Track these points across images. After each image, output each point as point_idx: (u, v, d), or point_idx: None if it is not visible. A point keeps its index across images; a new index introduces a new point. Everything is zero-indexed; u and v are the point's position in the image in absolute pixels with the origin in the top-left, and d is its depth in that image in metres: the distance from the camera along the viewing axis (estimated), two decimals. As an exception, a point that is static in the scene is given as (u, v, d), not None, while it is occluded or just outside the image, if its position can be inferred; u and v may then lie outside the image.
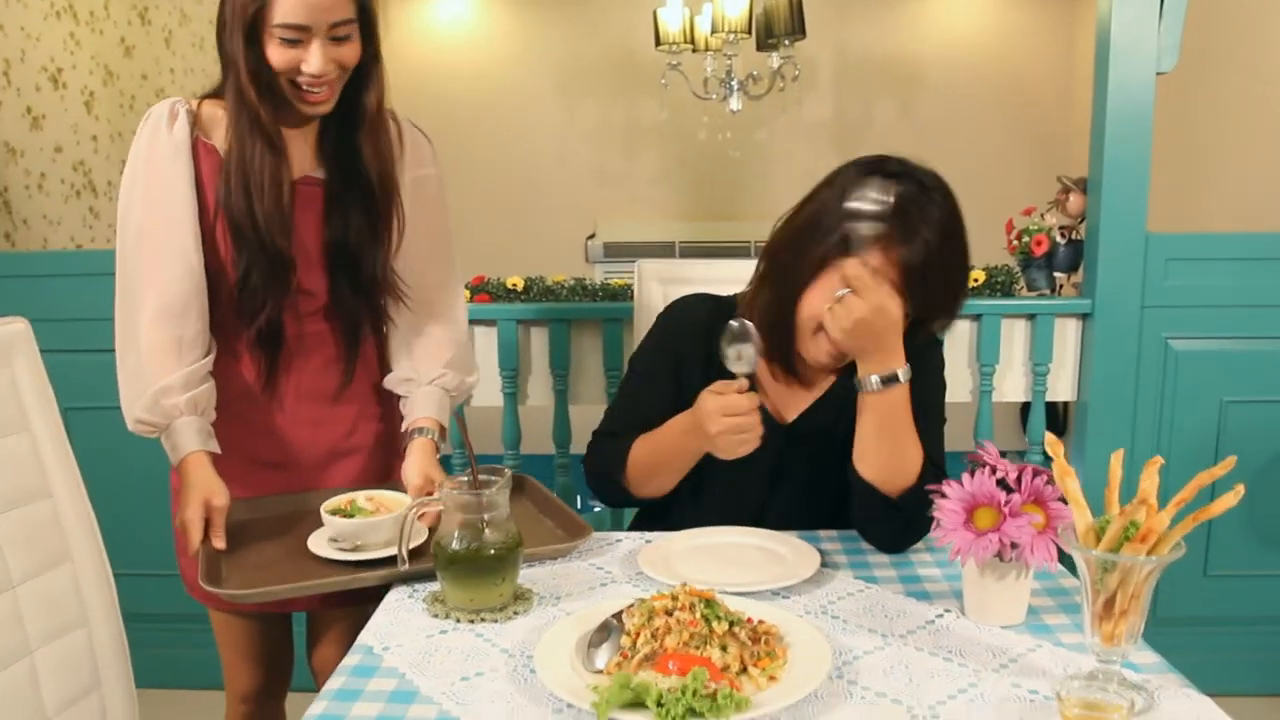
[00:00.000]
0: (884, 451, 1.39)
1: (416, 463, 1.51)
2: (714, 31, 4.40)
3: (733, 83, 4.57)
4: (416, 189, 1.60)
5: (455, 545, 1.19)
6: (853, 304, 1.31)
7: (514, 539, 1.21)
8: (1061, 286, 2.71)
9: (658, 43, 4.46)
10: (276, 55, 1.39)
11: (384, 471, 1.64)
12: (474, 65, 5.95)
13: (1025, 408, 2.66)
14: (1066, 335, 2.58)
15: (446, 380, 1.60)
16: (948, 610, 1.21)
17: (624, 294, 2.63)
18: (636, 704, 0.94)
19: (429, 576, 1.27)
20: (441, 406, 1.59)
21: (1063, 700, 0.92)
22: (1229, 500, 0.94)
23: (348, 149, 1.52)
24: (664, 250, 5.77)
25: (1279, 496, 2.53)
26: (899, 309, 1.34)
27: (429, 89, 5.75)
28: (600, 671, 1.02)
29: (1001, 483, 1.15)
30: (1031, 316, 2.57)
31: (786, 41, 4.35)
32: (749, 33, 4.33)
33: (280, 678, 1.70)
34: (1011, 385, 2.62)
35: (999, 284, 2.63)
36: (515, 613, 1.20)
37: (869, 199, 1.37)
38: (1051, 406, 3.41)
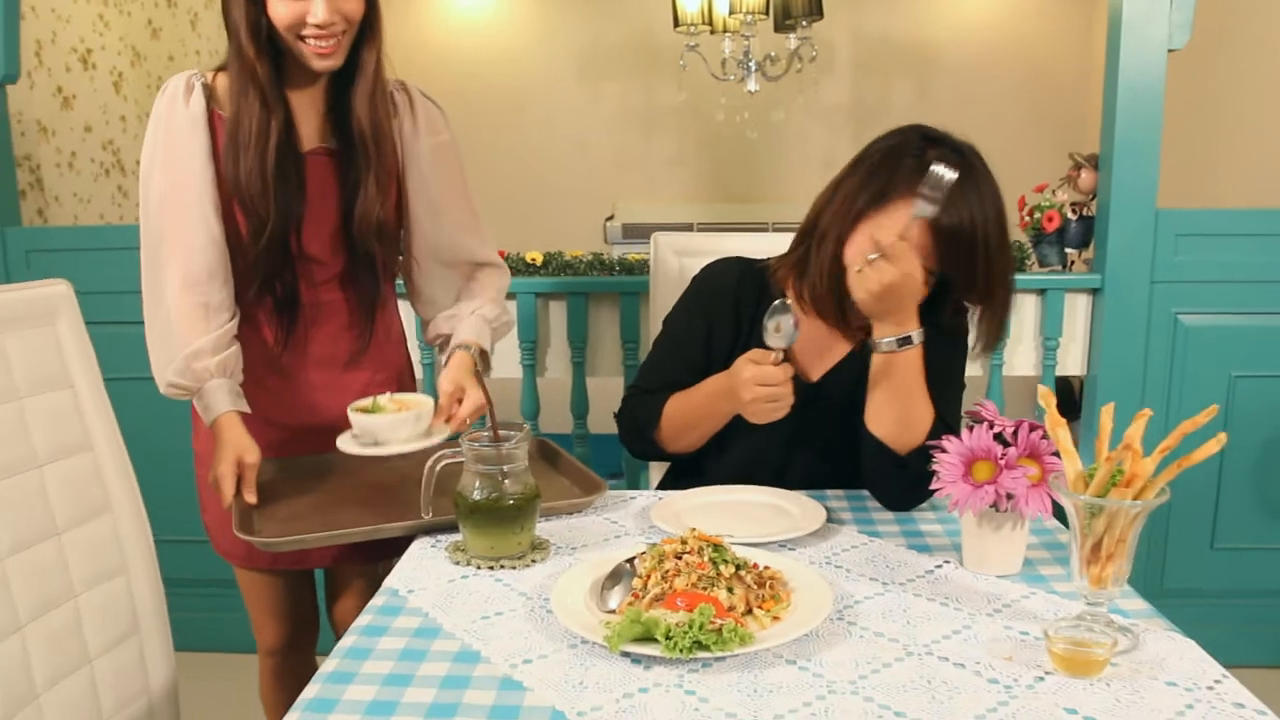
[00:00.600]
0: (895, 410, 1.44)
1: (450, 372, 1.55)
2: (732, 13, 4.43)
3: (750, 64, 4.60)
4: (435, 156, 1.64)
5: (476, 495, 1.24)
6: (884, 269, 1.35)
7: (531, 490, 1.27)
8: (1073, 262, 2.74)
9: (676, 24, 4.49)
10: (281, 10, 1.42)
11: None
12: (495, 50, 5.99)
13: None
14: (1077, 310, 2.62)
15: (486, 310, 1.66)
16: (947, 561, 1.26)
17: (640, 268, 2.69)
18: (646, 638, 0.99)
19: (451, 528, 1.33)
20: (481, 331, 1.63)
21: (1050, 638, 0.98)
22: (1211, 447, 0.98)
23: (345, 104, 1.56)
24: (682, 231, 5.80)
25: (1286, 470, 2.57)
26: (922, 276, 1.39)
27: (451, 74, 5.80)
28: (613, 611, 1.08)
29: (999, 437, 1.20)
30: (1042, 291, 2.61)
31: (804, 23, 4.38)
32: (766, 14, 4.36)
33: (306, 631, 1.77)
34: (1022, 359, 2.66)
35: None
36: (533, 560, 1.26)
37: (934, 166, 1.38)
38: (1066, 386, 3.45)
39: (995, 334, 1.54)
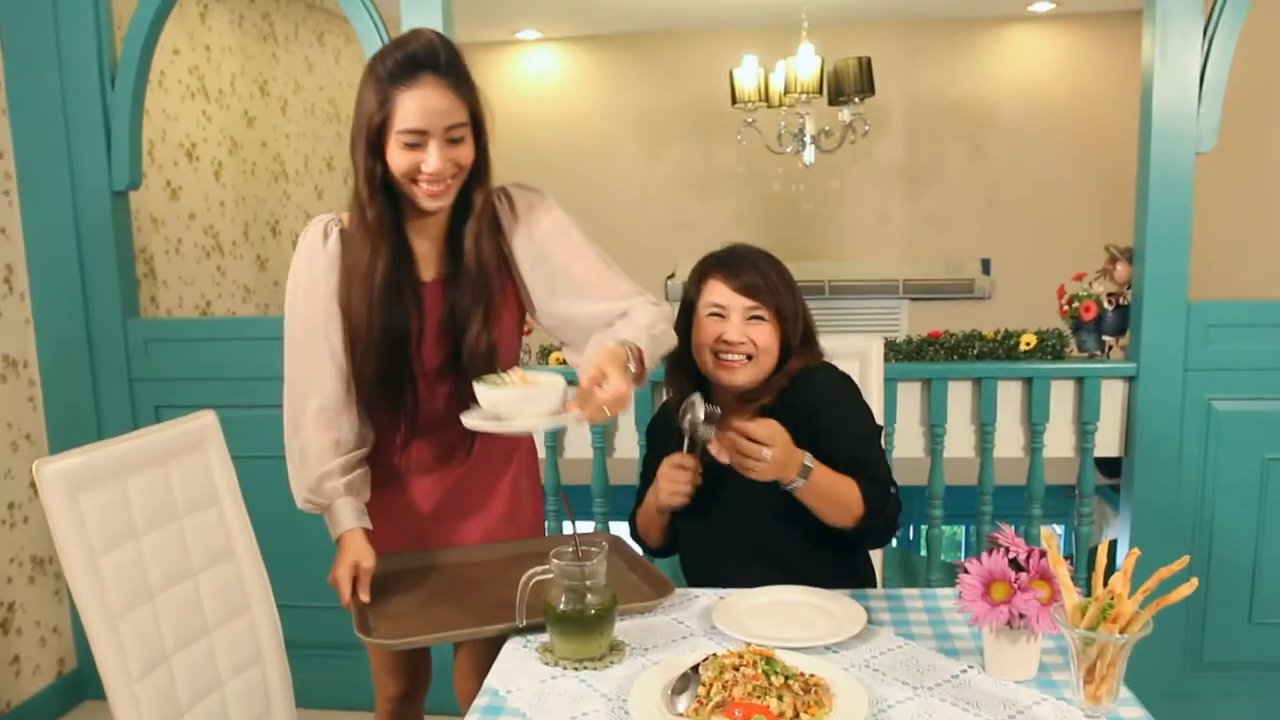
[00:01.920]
0: (831, 512, 1.76)
1: (599, 359, 1.52)
2: (787, 91, 4.65)
3: (805, 138, 4.81)
4: (548, 235, 1.76)
5: (562, 606, 1.46)
6: (764, 454, 1.63)
7: (610, 600, 1.48)
8: (1111, 348, 2.89)
9: (734, 101, 4.72)
10: (398, 159, 1.58)
11: (510, 522, 1.88)
12: (560, 115, 6.28)
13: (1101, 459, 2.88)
14: (1114, 396, 2.78)
15: (640, 317, 1.68)
16: (971, 667, 1.44)
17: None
18: None
19: (539, 629, 1.54)
20: (637, 333, 1.63)
21: (1051, 747, 1.16)
22: (1184, 591, 1.16)
23: (458, 241, 1.72)
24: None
25: (1319, 549, 2.69)
26: (783, 435, 1.67)
27: (517, 138, 6.10)
28: (681, 715, 1.28)
29: (1014, 562, 1.38)
30: (1080, 379, 2.77)
31: (857, 99, 4.59)
32: (820, 92, 4.57)
33: (419, 683, 1.99)
34: (1061, 442, 2.82)
35: (1050, 347, 2.83)
36: (612, 662, 1.47)
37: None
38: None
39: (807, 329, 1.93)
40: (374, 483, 1.79)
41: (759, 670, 1.30)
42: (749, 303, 1.86)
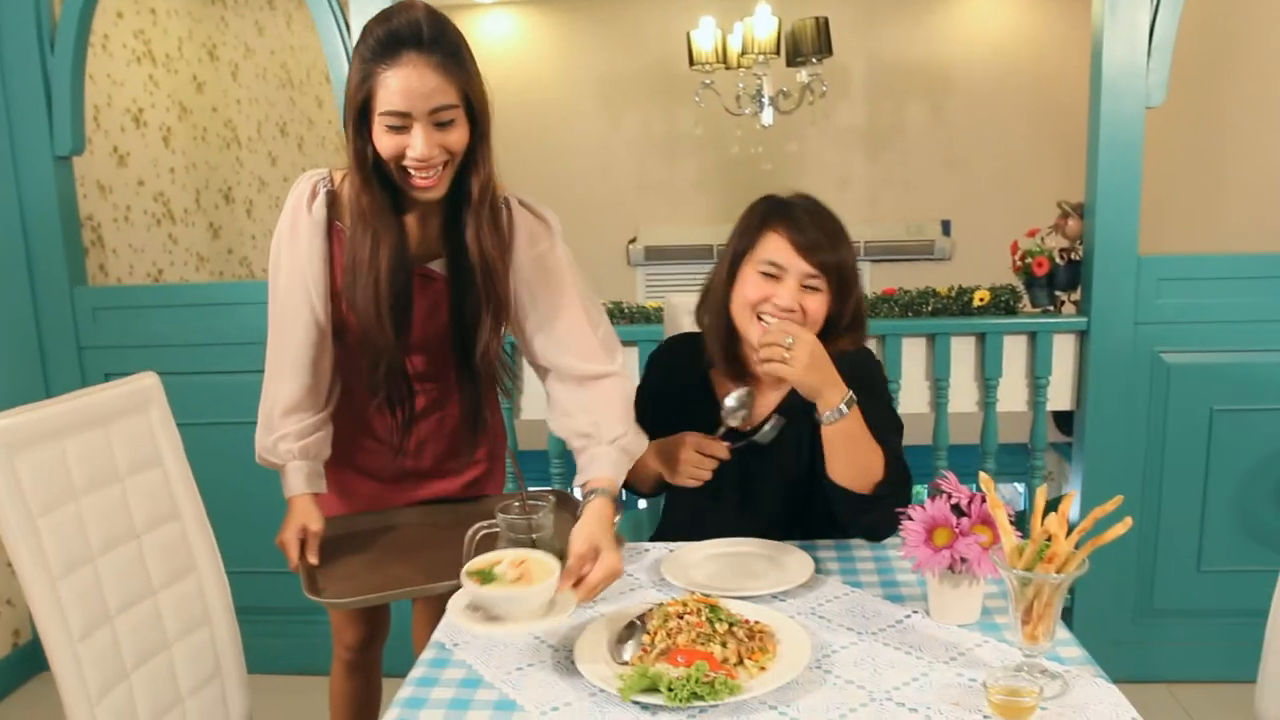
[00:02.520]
0: (854, 464, 1.66)
1: (587, 527, 1.46)
2: (744, 52, 4.63)
3: (764, 99, 4.80)
4: (536, 267, 1.68)
5: (509, 560, 1.46)
6: (799, 335, 1.59)
7: (559, 553, 1.48)
8: (1062, 303, 2.92)
9: (691, 63, 4.70)
10: (384, 141, 1.49)
11: (471, 485, 1.88)
12: (520, 80, 6.22)
13: (1057, 411, 2.92)
14: (1065, 350, 2.80)
15: (628, 441, 1.62)
16: (915, 612, 1.46)
17: (659, 315, 2.89)
18: (652, 689, 1.20)
19: (488, 584, 1.54)
20: (620, 467, 1.60)
21: (989, 687, 1.17)
22: (1118, 530, 1.17)
23: (455, 232, 1.63)
24: (703, 253, 6.01)
25: (1265, 497, 2.73)
26: (808, 338, 1.61)
27: (476, 104, 6.04)
28: (626, 663, 1.29)
29: (956, 507, 1.40)
30: (1033, 334, 2.80)
31: (814, 59, 4.58)
32: (778, 53, 4.55)
33: (378, 632, 1.99)
34: (1014, 396, 2.85)
35: (1003, 302, 2.86)
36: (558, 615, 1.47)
37: (726, 401, 1.76)
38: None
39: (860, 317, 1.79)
40: (349, 446, 1.78)
41: (703, 618, 1.31)
42: (810, 269, 1.67)
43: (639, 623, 1.35)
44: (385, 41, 1.46)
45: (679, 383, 1.87)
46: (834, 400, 1.62)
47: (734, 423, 1.74)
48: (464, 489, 1.88)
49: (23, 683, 3.08)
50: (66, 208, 2.93)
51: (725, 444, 1.75)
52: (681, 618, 1.31)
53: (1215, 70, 4.31)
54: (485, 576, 1.33)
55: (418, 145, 1.48)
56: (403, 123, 1.48)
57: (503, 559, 1.37)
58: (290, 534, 1.64)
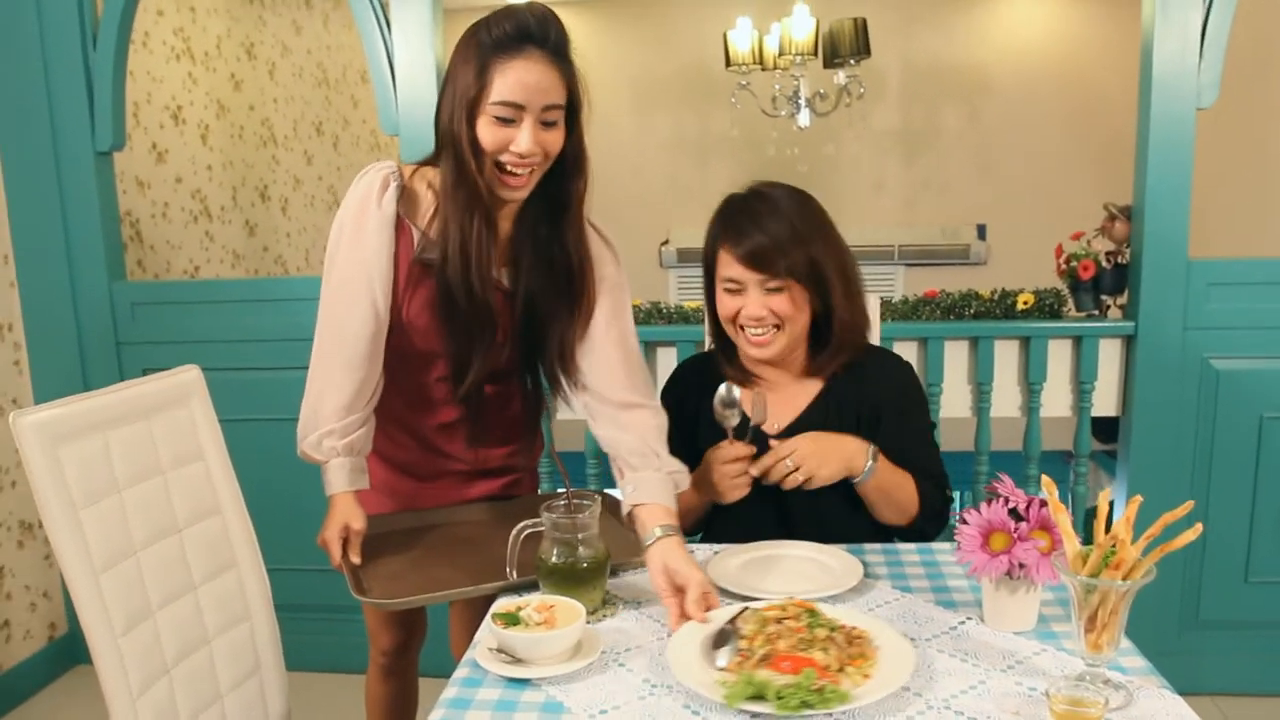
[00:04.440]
0: (890, 508, 1.76)
1: (667, 565, 1.44)
2: (781, 53, 4.59)
3: (800, 100, 4.76)
4: (599, 289, 1.68)
5: (554, 559, 1.44)
6: (794, 449, 1.67)
7: (603, 554, 1.46)
8: (1108, 307, 2.87)
9: (728, 64, 4.66)
10: (488, 134, 1.49)
11: (510, 487, 1.87)
12: (552, 80, 6.20)
13: (1096, 417, 2.86)
14: (1111, 355, 2.75)
15: (681, 477, 1.62)
16: (969, 618, 1.42)
17: (697, 316, 2.86)
18: (758, 697, 1.16)
19: (532, 586, 1.52)
20: (673, 499, 1.58)
21: (1051, 697, 1.14)
22: (1188, 536, 1.13)
23: (551, 234, 1.63)
24: (735, 255, 5.97)
25: (1317, 508, 2.67)
26: (804, 441, 1.68)
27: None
28: (724, 669, 1.24)
29: (1013, 512, 1.36)
30: (1077, 338, 2.75)
31: (852, 60, 4.53)
32: (815, 54, 4.51)
33: (415, 636, 1.97)
34: (1058, 402, 2.80)
35: (1048, 305, 2.81)
36: (604, 615, 1.45)
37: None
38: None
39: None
40: (390, 441, 1.77)
41: (802, 623, 1.27)
42: (759, 275, 1.69)
43: (732, 627, 1.32)
44: (513, 34, 1.47)
45: (701, 400, 1.81)
46: (860, 465, 1.70)
47: (730, 418, 1.69)
48: (503, 489, 1.86)
49: (60, 675, 3.09)
50: (107, 203, 2.94)
51: (741, 442, 1.71)
52: (780, 622, 1.28)
53: (1265, 70, 4.23)
54: (510, 619, 1.32)
55: (524, 140, 1.49)
56: (514, 115, 1.48)
57: (529, 602, 1.35)
58: (332, 532, 1.62)
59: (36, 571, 3.05)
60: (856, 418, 1.79)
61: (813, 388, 1.83)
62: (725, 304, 1.74)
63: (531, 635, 1.29)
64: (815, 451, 1.67)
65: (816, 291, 1.72)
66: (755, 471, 1.68)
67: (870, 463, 1.69)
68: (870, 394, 1.79)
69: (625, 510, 1.58)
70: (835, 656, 1.23)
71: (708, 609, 1.38)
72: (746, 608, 1.35)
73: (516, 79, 1.47)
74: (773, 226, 1.69)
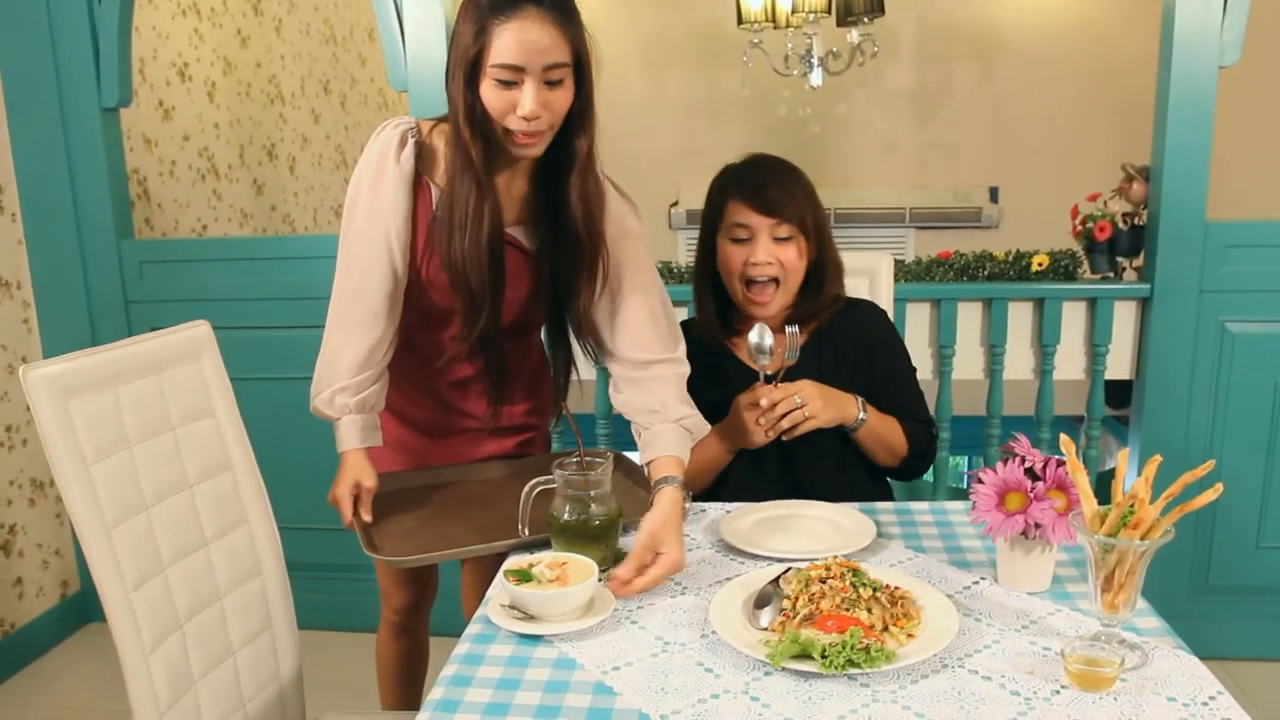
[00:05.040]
0: (883, 451, 1.87)
1: (655, 520, 1.43)
2: (794, 11, 4.53)
3: (813, 59, 4.70)
4: (617, 246, 1.67)
5: (566, 517, 1.43)
6: (800, 390, 1.75)
7: (615, 511, 1.45)
8: (1124, 269, 2.84)
9: (740, 22, 4.60)
10: (492, 97, 1.48)
11: (523, 445, 1.87)
12: (561, 39, 6.13)
13: (1107, 382, 2.84)
14: (1126, 318, 2.73)
15: (692, 423, 1.63)
16: (984, 578, 1.41)
17: (706, 277, 2.84)
18: (804, 655, 1.16)
19: (544, 544, 1.51)
20: (685, 447, 1.60)
21: (1066, 656, 1.13)
22: (1209, 495, 1.12)
23: (558, 194, 1.61)
24: (744, 218, 5.93)
25: (1330, 473, 2.66)
26: (808, 384, 1.76)
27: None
28: (766, 629, 1.25)
29: (1029, 471, 1.35)
30: (1093, 300, 2.72)
31: (866, 18, 4.47)
32: (829, 11, 4.45)
33: (426, 594, 1.98)
34: (1072, 364, 2.78)
35: (1063, 267, 2.78)
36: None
37: (750, 338, 1.76)
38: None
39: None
40: (407, 399, 1.78)
41: (846, 582, 1.27)
42: (773, 221, 1.79)
43: (774, 587, 1.32)
44: None
45: (704, 362, 1.83)
46: (853, 413, 1.81)
47: (765, 360, 1.74)
48: (516, 448, 1.86)
49: (72, 632, 3.11)
50: (114, 160, 2.92)
51: (767, 385, 1.76)
52: (824, 582, 1.27)
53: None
54: (523, 576, 1.32)
55: (527, 102, 1.46)
56: (515, 77, 1.46)
57: (541, 559, 1.35)
58: (343, 490, 1.62)
59: (48, 529, 3.06)
60: (851, 362, 1.89)
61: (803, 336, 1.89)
62: (732, 255, 1.82)
63: (544, 592, 1.28)
64: (818, 394, 1.76)
65: (813, 243, 1.84)
66: (766, 403, 1.74)
67: (862, 413, 1.81)
68: (859, 338, 1.89)
69: (646, 471, 1.60)
70: (879, 616, 1.23)
71: (641, 588, 1.37)
72: (791, 568, 1.35)
73: (515, 39, 1.44)
74: (782, 177, 1.82)
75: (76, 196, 2.90)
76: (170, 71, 3.63)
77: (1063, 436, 1.25)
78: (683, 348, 1.71)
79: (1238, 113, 3.40)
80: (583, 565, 1.34)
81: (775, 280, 1.81)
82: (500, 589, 1.37)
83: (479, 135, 1.52)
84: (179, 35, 3.68)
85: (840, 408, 1.79)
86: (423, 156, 1.61)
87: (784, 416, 1.74)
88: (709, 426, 1.70)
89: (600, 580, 1.37)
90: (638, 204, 1.73)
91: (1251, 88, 4.03)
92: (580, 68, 1.52)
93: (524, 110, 1.47)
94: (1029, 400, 2.84)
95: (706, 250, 1.89)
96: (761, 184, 1.80)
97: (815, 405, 1.75)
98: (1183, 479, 1.14)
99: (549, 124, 1.51)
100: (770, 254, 1.79)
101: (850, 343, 1.90)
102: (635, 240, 1.69)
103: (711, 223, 1.87)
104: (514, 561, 1.37)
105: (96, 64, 2.84)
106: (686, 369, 1.69)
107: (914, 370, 1.98)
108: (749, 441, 1.79)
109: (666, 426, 1.60)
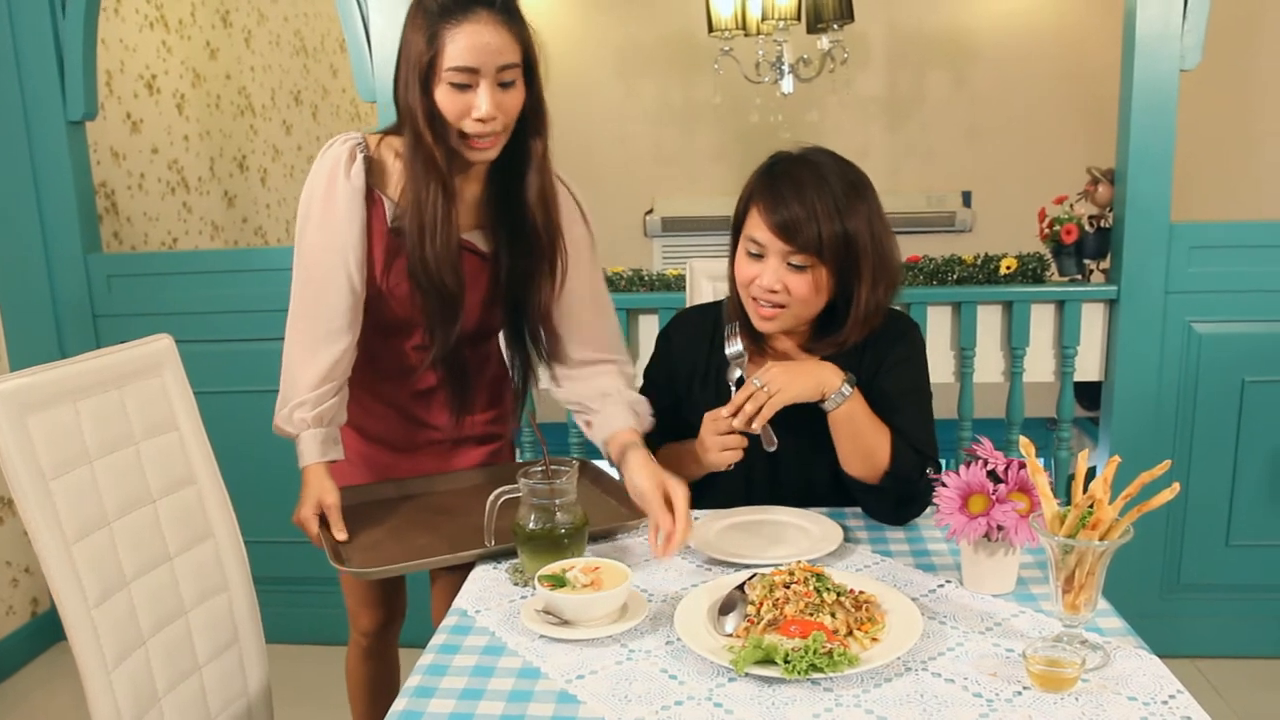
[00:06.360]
0: (856, 451, 1.62)
1: (646, 469, 1.51)
2: (764, 18, 4.55)
3: (784, 66, 4.71)
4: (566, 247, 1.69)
5: (532, 525, 1.42)
6: (762, 374, 1.58)
7: (580, 519, 1.45)
8: (1091, 272, 2.86)
9: (710, 29, 4.62)
10: (446, 101, 1.49)
11: (492, 455, 1.87)
12: (534, 49, 6.13)
13: (1080, 384, 2.86)
14: (1094, 319, 2.75)
15: (643, 408, 1.68)
16: (948, 581, 1.42)
17: (679, 283, 2.85)
18: (767, 661, 1.16)
19: (510, 553, 1.51)
20: (641, 425, 1.65)
21: (1028, 658, 1.13)
22: (1165, 495, 1.13)
23: (515, 193, 1.62)
24: (721, 224, 5.91)
25: (1297, 470, 2.68)
26: (770, 364, 1.60)
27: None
28: (731, 635, 1.24)
29: (992, 474, 1.35)
30: (1060, 303, 2.74)
31: (835, 25, 4.49)
32: (799, 19, 4.47)
33: (395, 616, 1.96)
34: (1041, 366, 2.80)
35: (1031, 270, 2.80)
36: (583, 582, 1.44)
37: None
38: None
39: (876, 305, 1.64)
40: (368, 412, 1.77)
41: (810, 587, 1.26)
42: (786, 247, 1.56)
43: (739, 593, 1.32)
44: None
45: (694, 358, 1.79)
46: (834, 384, 1.58)
47: (739, 373, 1.66)
48: (485, 459, 1.85)
49: (42, 651, 3.08)
50: (80, 173, 2.90)
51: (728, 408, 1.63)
52: (788, 587, 1.27)
53: (1249, 32, 4.21)
54: (558, 581, 1.32)
55: (483, 104, 1.48)
56: (469, 80, 1.48)
57: (575, 565, 1.35)
58: (307, 510, 1.60)
59: (18, 547, 3.03)
60: (861, 364, 1.69)
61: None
62: (743, 267, 1.63)
63: (579, 596, 1.28)
64: (781, 370, 1.57)
65: (842, 275, 1.59)
66: (728, 411, 1.59)
67: (845, 387, 1.58)
68: (876, 347, 1.70)
69: (604, 452, 1.62)
70: (843, 620, 1.23)
71: (685, 532, 1.44)
72: (756, 574, 1.35)
73: (468, 43, 1.46)
74: (812, 196, 1.55)
75: (42, 211, 2.87)
76: (138, 84, 3.61)
77: (1022, 438, 1.26)
78: (625, 355, 1.75)
79: (1201, 115, 3.44)
80: (616, 570, 1.34)
81: (781, 305, 1.62)
82: (536, 595, 1.35)
83: (440, 139, 1.53)
84: (146, 48, 3.66)
85: (814, 377, 1.57)
86: (372, 170, 1.61)
87: (750, 405, 1.57)
88: (652, 421, 1.68)
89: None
90: (585, 205, 1.74)
91: (1214, 91, 4.08)
92: (530, 67, 1.55)
93: (480, 112, 1.48)
94: (1000, 403, 2.85)
95: (731, 248, 1.70)
96: (784, 200, 1.56)
97: (777, 381, 1.55)
98: (1140, 479, 1.14)
99: (504, 125, 1.53)
100: (778, 280, 1.58)
101: (870, 365, 1.69)
102: (583, 242, 1.72)
103: (737, 223, 1.67)
104: (550, 567, 1.35)
105: (61, 77, 2.82)
106: (632, 370, 1.72)
107: (928, 396, 1.72)
108: (708, 461, 1.65)
109: (619, 406, 1.64)
